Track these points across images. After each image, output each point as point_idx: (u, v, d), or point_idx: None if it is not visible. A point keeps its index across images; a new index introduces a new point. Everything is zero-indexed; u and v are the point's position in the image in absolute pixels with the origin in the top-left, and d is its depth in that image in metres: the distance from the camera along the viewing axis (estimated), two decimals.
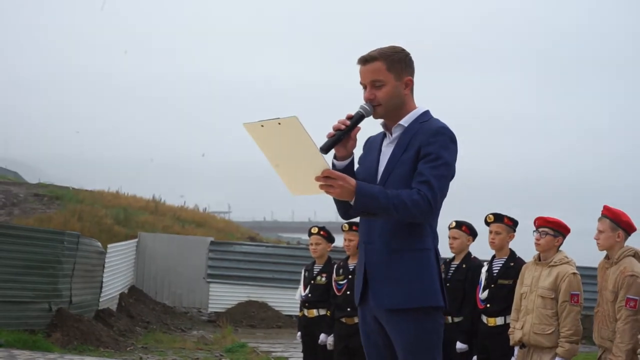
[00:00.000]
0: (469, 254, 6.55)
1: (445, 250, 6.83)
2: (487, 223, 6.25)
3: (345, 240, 6.68)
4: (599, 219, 5.46)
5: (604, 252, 5.52)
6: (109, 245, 13.61)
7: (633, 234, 5.48)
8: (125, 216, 18.92)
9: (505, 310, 5.99)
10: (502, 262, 6.17)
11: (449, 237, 6.49)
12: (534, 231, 5.78)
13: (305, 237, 7.66)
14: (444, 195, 3.33)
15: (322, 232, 6.97)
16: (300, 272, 7.25)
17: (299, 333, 7.13)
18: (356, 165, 3.52)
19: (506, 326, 5.96)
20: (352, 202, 3.20)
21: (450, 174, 3.35)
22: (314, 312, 6.88)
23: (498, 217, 6.20)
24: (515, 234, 6.27)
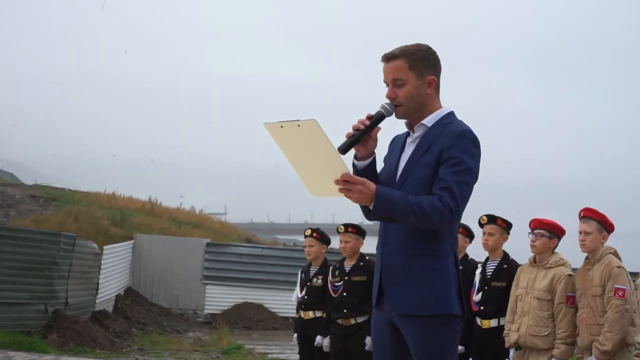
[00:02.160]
0: (466, 255, 6.56)
1: None
2: (481, 224, 6.26)
3: (341, 242, 6.68)
4: (584, 221, 5.47)
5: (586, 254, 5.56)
6: (105, 247, 13.61)
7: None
8: (122, 217, 18.92)
9: (499, 312, 6.00)
10: (496, 264, 6.18)
11: None
12: (529, 233, 5.79)
13: (301, 238, 7.66)
14: (465, 201, 3.24)
15: (315, 234, 6.96)
16: (297, 274, 7.25)
17: (295, 335, 7.13)
18: (381, 164, 3.46)
19: (500, 328, 5.97)
20: (370, 207, 3.15)
21: (473, 180, 3.26)
22: (310, 314, 6.88)
23: (491, 219, 6.21)
24: (509, 236, 6.28)
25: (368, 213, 3.36)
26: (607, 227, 5.44)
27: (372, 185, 3.12)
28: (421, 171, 3.27)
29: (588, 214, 5.47)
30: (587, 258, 5.53)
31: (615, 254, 5.45)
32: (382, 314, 3.42)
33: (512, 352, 5.82)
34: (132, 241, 15.98)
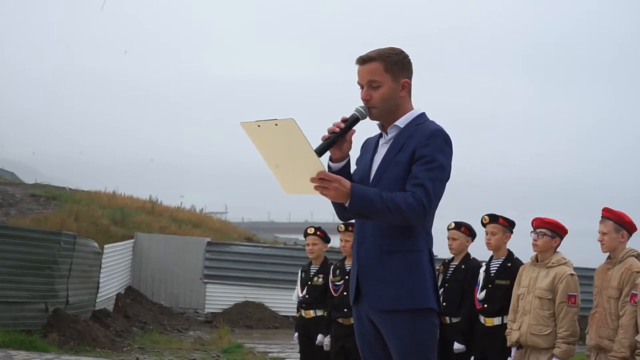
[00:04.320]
0: (468, 254, 6.56)
1: (444, 251, 6.84)
2: (483, 224, 6.27)
3: (341, 241, 6.68)
4: (601, 221, 5.47)
5: (601, 253, 5.54)
6: (105, 246, 13.60)
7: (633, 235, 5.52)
8: (122, 217, 18.90)
9: (503, 311, 6.00)
10: (500, 262, 6.18)
11: (448, 238, 6.50)
12: (531, 232, 5.79)
13: (302, 237, 7.66)
14: (438, 198, 3.32)
15: (318, 233, 6.97)
16: (297, 273, 7.25)
17: (296, 334, 7.13)
18: (354, 167, 3.54)
19: (503, 326, 5.97)
20: (346, 205, 3.21)
21: (445, 177, 3.35)
22: (311, 313, 6.88)
23: (493, 218, 6.22)
24: (512, 234, 6.28)
25: (342, 213, 3.47)
26: (625, 225, 5.43)
27: (347, 183, 3.18)
28: (395, 170, 3.35)
29: (605, 214, 5.47)
30: (609, 257, 5.52)
31: (638, 257, 5.41)
32: (362, 311, 3.48)
33: (513, 350, 5.82)
34: (133, 240, 15.97)
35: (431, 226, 3.46)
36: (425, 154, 3.30)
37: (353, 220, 3.63)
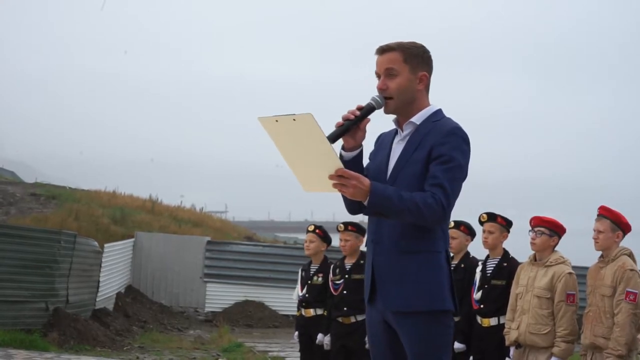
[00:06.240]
0: (468, 253, 6.56)
1: None
2: (481, 222, 6.27)
3: (341, 240, 6.68)
4: (597, 219, 5.47)
5: (598, 252, 5.54)
6: (105, 245, 13.62)
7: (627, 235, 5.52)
8: (122, 216, 18.91)
9: (499, 311, 6.00)
10: (496, 262, 6.18)
11: None
12: (529, 231, 5.79)
13: (301, 237, 7.68)
14: (456, 198, 3.27)
15: (317, 231, 6.97)
16: (297, 272, 7.26)
17: (296, 333, 7.13)
18: (367, 160, 3.47)
19: (500, 327, 5.96)
20: (365, 203, 3.14)
21: (463, 176, 3.29)
22: (311, 312, 6.89)
23: (491, 216, 6.21)
24: (509, 234, 6.28)
25: (353, 207, 3.39)
26: (621, 226, 5.43)
27: (367, 181, 3.12)
28: (412, 168, 3.29)
29: (602, 212, 5.47)
30: (601, 256, 5.53)
31: (631, 255, 5.42)
32: (375, 312, 3.43)
33: (512, 350, 5.83)
34: (133, 239, 15.99)
35: (447, 226, 3.41)
36: (443, 152, 3.23)
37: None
